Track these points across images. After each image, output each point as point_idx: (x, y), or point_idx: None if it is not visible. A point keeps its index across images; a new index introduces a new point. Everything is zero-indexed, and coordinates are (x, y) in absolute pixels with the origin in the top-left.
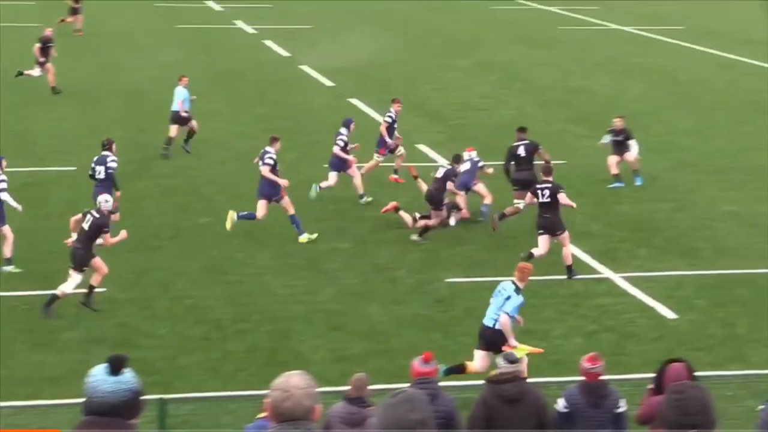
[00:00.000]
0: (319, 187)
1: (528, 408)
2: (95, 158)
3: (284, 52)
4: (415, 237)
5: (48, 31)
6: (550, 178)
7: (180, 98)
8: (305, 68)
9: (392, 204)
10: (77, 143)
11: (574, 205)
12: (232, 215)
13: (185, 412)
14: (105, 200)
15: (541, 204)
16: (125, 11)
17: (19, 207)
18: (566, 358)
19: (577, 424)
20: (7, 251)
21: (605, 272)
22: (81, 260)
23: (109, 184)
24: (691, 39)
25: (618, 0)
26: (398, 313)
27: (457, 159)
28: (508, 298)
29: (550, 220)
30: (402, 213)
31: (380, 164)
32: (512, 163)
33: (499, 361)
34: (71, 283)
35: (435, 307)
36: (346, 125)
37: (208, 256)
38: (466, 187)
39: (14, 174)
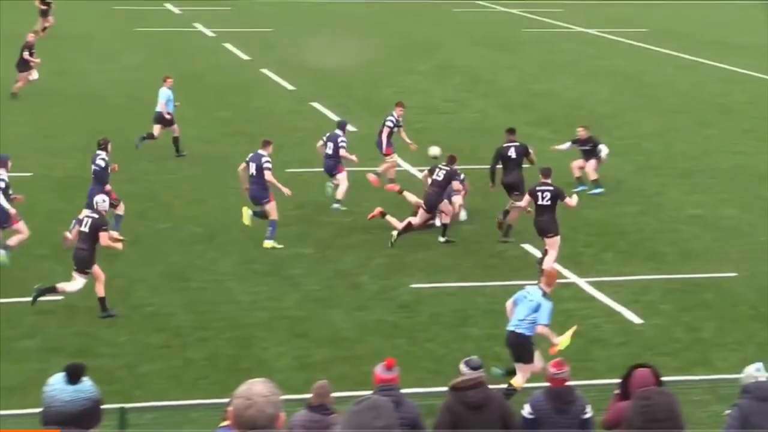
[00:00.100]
0: (332, 185)
1: (493, 414)
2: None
3: (244, 56)
4: (441, 239)
5: (30, 37)
6: (550, 180)
7: (163, 99)
8: (266, 71)
9: (378, 210)
10: (32, 148)
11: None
12: (247, 211)
13: (146, 421)
14: (102, 200)
15: (540, 206)
16: (83, 14)
17: (12, 210)
18: None
19: (543, 430)
20: (13, 241)
21: (571, 277)
22: (85, 262)
23: (99, 182)
24: (655, 41)
25: (581, 2)
26: (362, 320)
27: (452, 160)
28: (539, 305)
29: (544, 222)
30: (388, 217)
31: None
32: (498, 165)
33: (462, 367)
34: (75, 285)
35: (399, 313)
36: (342, 128)
37: (168, 263)
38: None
39: None
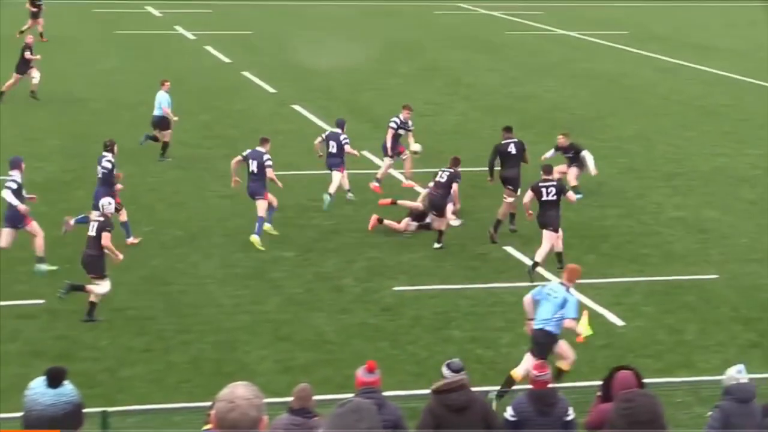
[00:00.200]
0: (330, 195)
1: (475, 416)
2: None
3: (225, 59)
4: (436, 245)
5: (29, 39)
6: (551, 177)
7: (165, 103)
8: (247, 74)
9: (374, 218)
10: (13, 152)
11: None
12: (268, 227)
13: (128, 425)
14: (108, 203)
15: (545, 202)
16: (63, 17)
17: (22, 206)
18: (514, 366)
19: None
20: (39, 251)
21: (553, 279)
22: (96, 266)
23: (106, 183)
24: (636, 44)
25: (562, 4)
26: (344, 323)
27: (456, 162)
28: (565, 301)
29: (549, 217)
30: (387, 222)
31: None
32: (496, 160)
33: (444, 370)
34: (103, 288)
35: (381, 316)
36: (341, 126)
37: (149, 266)
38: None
39: None
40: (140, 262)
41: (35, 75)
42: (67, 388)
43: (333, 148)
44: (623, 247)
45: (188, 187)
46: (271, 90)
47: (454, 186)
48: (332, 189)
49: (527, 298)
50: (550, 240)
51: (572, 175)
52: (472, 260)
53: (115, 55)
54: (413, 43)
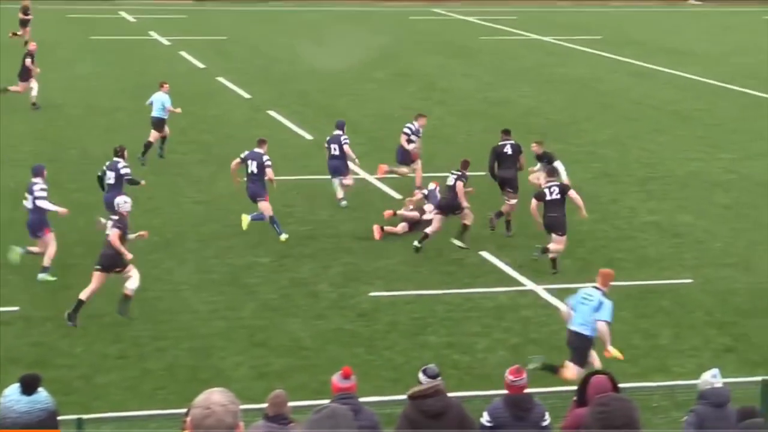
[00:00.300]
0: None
1: (451, 422)
2: (107, 164)
3: (200, 64)
4: (457, 242)
5: (32, 46)
6: (555, 178)
7: (167, 104)
8: (222, 80)
9: (377, 230)
10: None
11: (583, 210)
12: (246, 218)
13: None
14: (123, 201)
15: (549, 202)
16: (38, 22)
17: (60, 209)
18: (491, 371)
19: None
20: (37, 250)
21: (528, 284)
22: (110, 263)
23: (118, 188)
24: (610, 48)
25: (536, 10)
26: (320, 328)
27: (465, 165)
28: (600, 304)
29: (556, 219)
30: (388, 228)
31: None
32: (495, 162)
33: (420, 376)
34: (133, 281)
35: (357, 322)
36: (341, 127)
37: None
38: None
39: None
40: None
41: (33, 86)
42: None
43: (335, 150)
44: (598, 251)
45: (163, 193)
46: (246, 95)
47: (458, 184)
48: (347, 182)
49: (565, 308)
50: (562, 243)
51: (543, 180)
52: (448, 265)
53: (90, 60)
54: (388, 48)
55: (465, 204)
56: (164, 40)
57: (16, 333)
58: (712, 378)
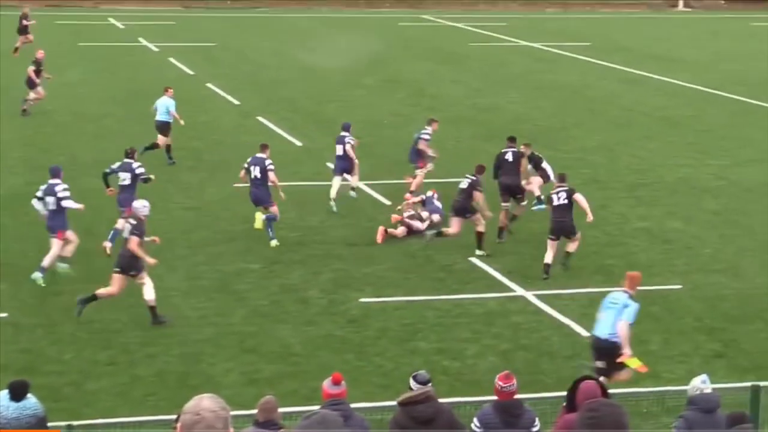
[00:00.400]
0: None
1: (441, 428)
2: (117, 165)
3: (189, 70)
4: (479, 252)
5: (40, 54)
6: (564, 184)
7: (172, 108)
8: (211, 86)
9: (381, 233)
10: None
11: (590, 214)
12: (260, 216)
13: None
14: (142, 206)
15: (557, 207)
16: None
17: (80, 206)
18: (481, 377)
19: None
20: (69, 251)
21: (518, 290)
22: (136, 265)
23: (133, 189)
24: (599, 55)
25: (525, 16)
26: (310, 335)
27: (480, 170)
28: (625, 306)
29: (564, 223)
30: (391, 230)
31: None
32: (499, 168)
33: (411, 382)
34: (149, 288)
35: (347, 328)
36: (347, 129)
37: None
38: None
39: None
40: (105, 274)
41: (32, 93)
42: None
43: (340, 151)
44: (588, 257)
45: (152, 199)
46: (235, 102)
47: (476, 194)
48: (354, 184)
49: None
50: (575, 242)
51: (536, 184)
52: (438, 272)
53: (79, 67)
54: (377, 54)
55: (487, 213)
56: (153, 47)
57: (4, 339)
58: (701, 384)
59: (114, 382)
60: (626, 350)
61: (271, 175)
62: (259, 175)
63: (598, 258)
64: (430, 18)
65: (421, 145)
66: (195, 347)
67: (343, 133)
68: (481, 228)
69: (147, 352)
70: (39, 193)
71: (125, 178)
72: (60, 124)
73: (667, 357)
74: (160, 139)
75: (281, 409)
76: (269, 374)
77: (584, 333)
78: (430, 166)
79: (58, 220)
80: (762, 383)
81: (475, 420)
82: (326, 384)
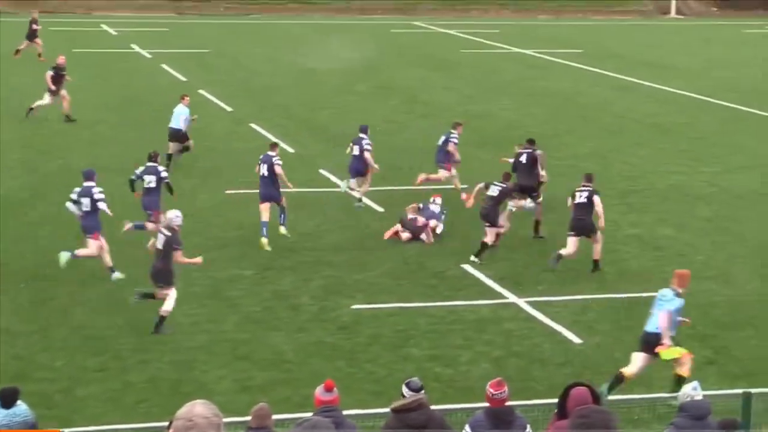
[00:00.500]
0: (349, 188)
1: None
2: (141, 169)
3: (182, 77)
4: (473, 258)
5: (61, 59)
6: (591, 184)
7: (182, 116)
8: (204, 92)
9: (392, 231)
10: None
11: (602, 218)
12: (263, 240)
13: None
14: (175, 216)
15: (578, 205)
16: (20, 34)
17: (109, 212)
18: (473, 384)
19: None
20: (108, 260)
21: (510, 297)
22: (166, 278)
23: (158, 192)
24: (591, 62)
25: (518, 23)
26: (302, 341)
27: (507, 177)
28: (670, 301)
29: (584, 221)
30: (398, 232)
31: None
32: (514, 170)
33: (403, 389)
34: (170, 302)
35: (339, 335)
36: (365, 131)
37: (107, 285)
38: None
39: None
40: (97, 280)
41: (46, 98)
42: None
43: (356, 151)
44: (579, 264)
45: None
46: (228, 108)
47: (511, 200)
48: (361, 194)
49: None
50: (597, 242)
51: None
52: (430, 278)
53: (73, 73)
54: (370, 61)
55: (503, 223)
56: (146, 53)
57: None
58: (692, 390)
59: (106, 388)
60: (665, 341)
61: (277, 169)
62: (266, 173)
63: (590, 264)
64: (422, 25)
65: (451, 147)
66: (187, 354)
67: (361, 135)
68: (488, 239)
69: (139, 359)
70: (73, 196)
71: (150, 180)
72: (55, 130)
73: (659, 364)
74: (190, 144)
75: (274, 416)
76: (262, 381)
77: (576, 340)
78: (454, 171)
79: (92, 220)
80: (753, 390)
81: (466, 427)
82: (318, 391)
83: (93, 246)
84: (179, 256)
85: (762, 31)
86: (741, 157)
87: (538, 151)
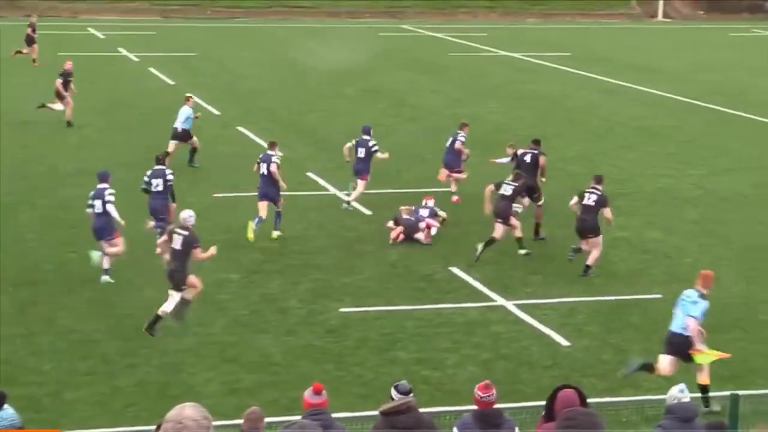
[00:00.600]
0: (352, 189)
1: None
2: (149, 172)
3: (169, 80)
4: (478, 247)
5: (68, 65)
6: (600, 186)
7: (183, 117)
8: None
9: (397, 233)
10: None
11: (612, 223)
12: (251, 225)
13: None
14: (189, 215)
15: (584, 206)
16: (5, 37)
17: (116, 215)
18: (460, 387)
19: None
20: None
21: (498, 300)
22: (179, 280)
23: (166, 195)
24: (578, 65)
25: (505, 27)
26: (290, 344)
27: (518, 177)
28: (695, 303)
29: (588, 223)
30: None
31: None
32: (518, 169)
33: (392, 392)
34: (171, 303)
35: (327, 338)
36: (368, 132)
37: (94, 289)
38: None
39: None
40: (85, 285)
41: (59, 105)
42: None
43: (361, 153)
44: (567, 267)
45: (131, 210)
46: (215, 112)
47: (524, 198)
48: (353, 196)
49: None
50: (597, 246)
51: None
52: (418, 281)
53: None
54: (358, 64)
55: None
56: (133, 57)
57: None
58: (679, 393)
59: (94, 392)
60: (697, 346)
61: (272, 167)
62: (266, 172)
63: (577, 267)
64: (410, 28)
65: (458, 145)
66: (175, 357)
67: (365, 137)
68: (519, 234)
69: (127, 363)
70: (89, 201)
71: (158, 184)
72: (41, 135)
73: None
74: (195, 141)
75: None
76: (249, 384)
77: (564, 342)
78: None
79: (105, 222)
80: (740, 392)
81: (454, 429)
82: (307, 394)
83: (120, 243)
84: (199, 253)
85: (747, 35)
86: (727, 159)
87: (542, 158)
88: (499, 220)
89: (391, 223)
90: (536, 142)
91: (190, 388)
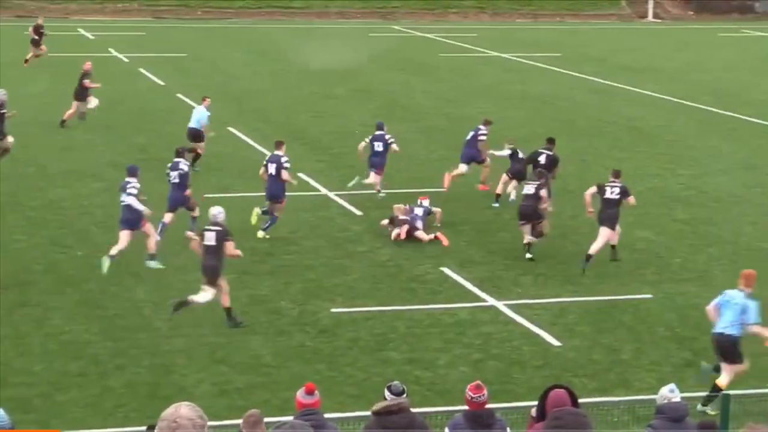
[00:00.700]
0: (363, 182)
1: None
2: (169, 165)
3: (159, 81)
4: (528, 255)
5: (87, 65)
6: (619, 179)
7: (203, 117)
8: (181, 96)
9: (404, 231)
10: None
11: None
12: (257, 211)
13: None
14: (218, 212)
15: (606, 200)
16: None
17: (147, 210)
18: (452, 387)
19: None
20: (152, 247)
21: (489, 300)
22: (215, 274)
23: (183, 188)
24: (568, 65)
25: (496, 27)
26: (282, 345)
27: (541, 175)
28: (745, 307)
29: (608, 215)
30: (418, 233)
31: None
32: (530, 165)
33: (385, 393)
34: (204, 296)
35: (319, 338)
36: (381, 127)
37: (83, 290)
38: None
39: None
40: (74, 286)
41: (92, 101)
42: None
43: (379, 147)
44: (558, 267)
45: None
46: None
47: (542, 192)
48: (368, 180)
49: (710, 307)
50: (605, 236)
51: (512, 186)
52: (409, 282)
53: (49, 77)
54: (348, 65)
55: (547, 204)
56: (123, 57)
57: None
58: (669, 392)
59: (84, 393)
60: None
61: (284, 173)
62: (274, 172)
63: (568, 268)
64: (400, 29)
65: (480, 144)
66: (166, 358)
67: (379, 132)
68: (545, 230)
69: (117, 363)
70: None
71: (174, 176)
72: (29, 135)
73: (638, 366)
74: (201, 147)
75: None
76: (241, 385)
77: (555, 342)
78: (464, 169)
79: (132, 214)
80: (731, 392)
81: (446, 430)
82: (299, 394)
83: (152, 233)
84: (232, 248)
85: (737, 35)
86: (717, 159)
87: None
88: (525, 222)
89: (386, 221)
90: (551, 141)
91: (181, 389)
